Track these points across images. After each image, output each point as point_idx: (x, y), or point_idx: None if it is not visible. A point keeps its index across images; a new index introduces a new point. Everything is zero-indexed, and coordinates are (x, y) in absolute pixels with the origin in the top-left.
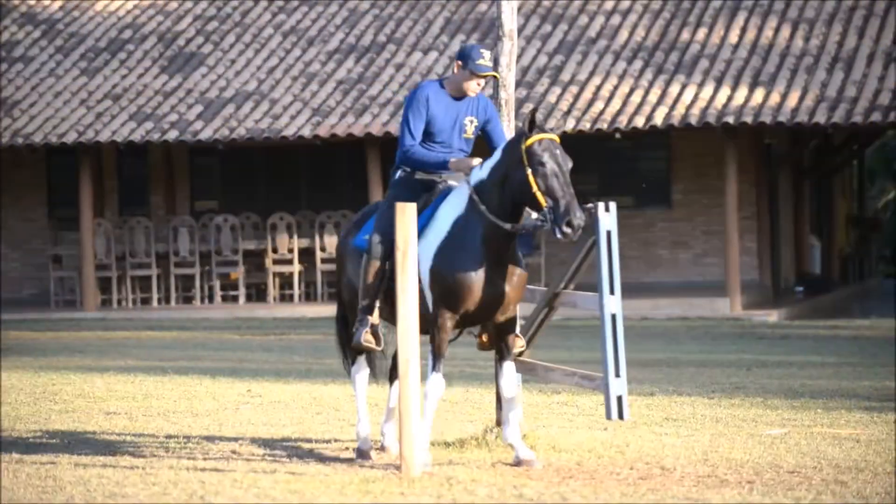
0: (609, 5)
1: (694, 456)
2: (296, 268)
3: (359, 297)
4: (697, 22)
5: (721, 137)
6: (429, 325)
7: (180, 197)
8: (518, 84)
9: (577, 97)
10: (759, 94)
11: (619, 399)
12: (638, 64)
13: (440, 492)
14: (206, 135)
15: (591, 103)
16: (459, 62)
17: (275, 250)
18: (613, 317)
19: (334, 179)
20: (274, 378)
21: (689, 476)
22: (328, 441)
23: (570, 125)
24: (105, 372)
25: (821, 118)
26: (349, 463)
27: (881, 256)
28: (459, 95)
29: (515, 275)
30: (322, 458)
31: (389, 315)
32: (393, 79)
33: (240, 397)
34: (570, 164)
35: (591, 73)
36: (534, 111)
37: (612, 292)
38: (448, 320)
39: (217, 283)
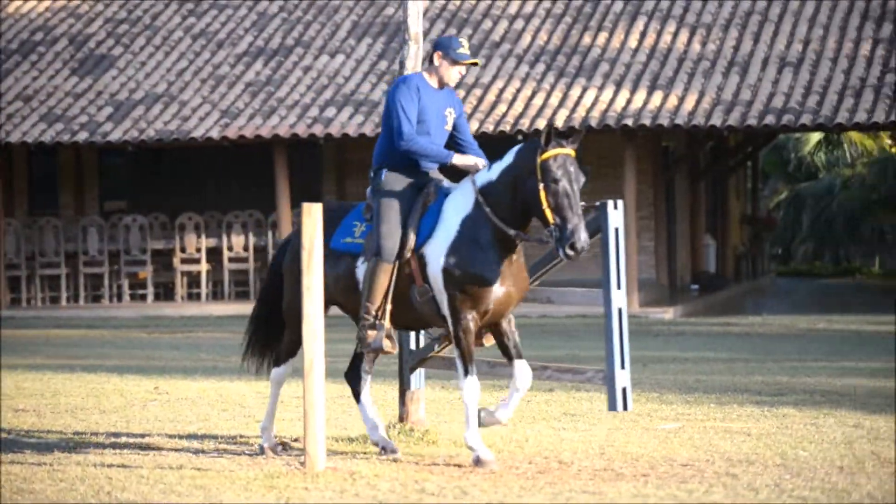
0: (512, 10)
1: (591, 450)
2: (203, 267)
3: (366, 300)
4: (598, 27)
5: (620, 139)
6: (435, 323)
7: (89, 197)
8: None
9: (480, 100)
10: (657, 98)
11: (624, 390)
12: (540, 67)
13: (343, 486)
14: (115, 136)
15: (494, 106)
16: (439, 52)
17: (182, 250)
18: (620, 311)
19: (242, 180)
20: (181, 375)
21: (586, 470)
22: (234, 437)
23: (474, 127)
24: (14, 370)
25: (717, 121)
26: (254, 459)
27: (773, 255)
28: (440, 86)
29: (522, 273)
30: (227, 454)
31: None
32: (300, 81)
33: (147, 394)
34: (582, 181)
35: (495, 77)
36: (550, 126)
37: (618, 287)
38: (472, 321)
39: (125, 282)
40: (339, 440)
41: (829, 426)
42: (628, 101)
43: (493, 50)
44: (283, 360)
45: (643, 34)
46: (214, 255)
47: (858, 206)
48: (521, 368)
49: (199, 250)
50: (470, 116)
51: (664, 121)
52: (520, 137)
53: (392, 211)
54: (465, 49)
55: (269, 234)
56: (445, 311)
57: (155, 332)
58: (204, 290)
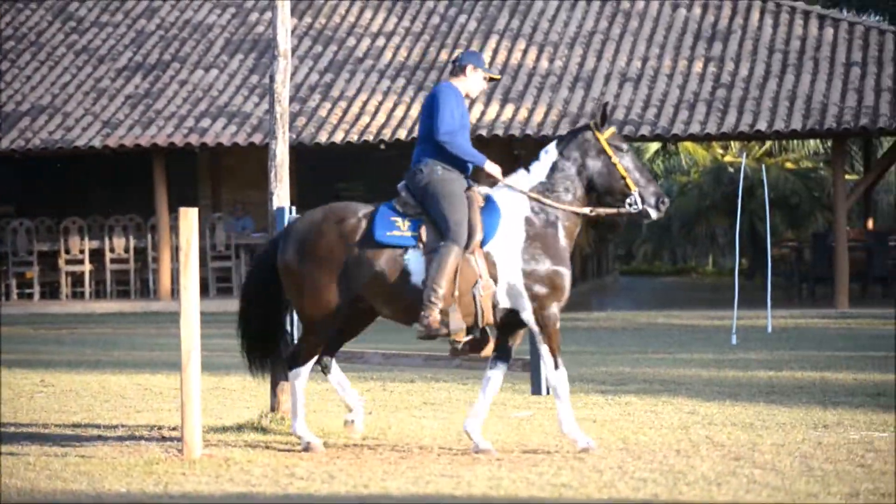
0: (374, 28)
1: (449, 437)
2: (86, 267)
3: (434, 285)
4: (454, 44)
5: (476, 148)
6: (487, 318)
7: None
8: (292, 99)
9: (345, 111)
10: (508, 110)
11: (547, 378)
12: (401, 82)
13: (218, 472)
14: (3, 145)
15: (358, 117)
16: (472, 65)
17: (67, 251)
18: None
19: (122, 186)
20: (66, 369)
21: (445, 454)
22: (115, 426)
23: (339, 137)
24: None
25: (564, 131)
26: (135, 446)
27: (617, 255)
28: (465, 97)
29: None
30: (110, 443)
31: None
32: (177, 94)
33: (34, 387)
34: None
35: (359, 90)
36: (606, 104)
37: None
38: (558, 313)
39: (13, 282)
40: (214, 429)
41: (667, 413)
42: (482, 113)
43: (356, 65)
44: (302, 362)
45: (495, 51)
46: (97, 256)
47: (693, 211)
48: (546, 358)
49: (82, 252)
50: (336, 127)
51: (516, 131)
52: (382, 147)
53: (461, 203)
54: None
55: (149, 236)
56: (524, 306)
57: (41, 329)
58: (87, 289)
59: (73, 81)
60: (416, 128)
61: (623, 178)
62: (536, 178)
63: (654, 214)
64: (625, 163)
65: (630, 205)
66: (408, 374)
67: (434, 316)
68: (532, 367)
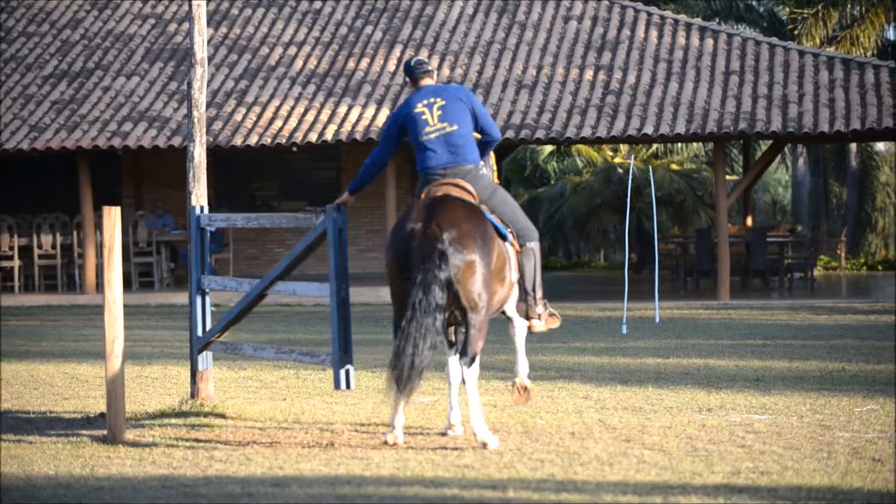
0: (286, 38)
1: (359, 421)
2: (16, 263)
3: (537, 285)
4: (361, 53)
5: None
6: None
7: None
8: (209, 105)
9: (259, 116)
10: None
11: (347, 371)
12: (311, 88)
13: (142, 455)
14: None
15: (271, 121)
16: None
17: None
18: (343, 301)
19: (49, 186)
20: None
21: (355, 438)
22: (44, 413)
23: (253, 140)
24: None
25: None
26: (63, 432)
27: None
28: None
29: None
30: (38, 428)
31: None
32: (100, 100)
33: None
34: None
35: (272, 96)
36: None
37: (342, 280)
38: None
39: None
40: (137, 415)
41: (562, 398)
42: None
43: (269, 72)
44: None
45: (399, 59)
46: (26, 252)
47: (585, 209)
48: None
49: (11, 248)
50: (250, 131)
51: None
52: (294, 149)
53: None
54: None
55: (74, 233)
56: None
57: None
58: (17, 282)
59: (2, 88)
60: (327, 132)
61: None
62: None
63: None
64: None
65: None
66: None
67: (541, 312)
68: (334, 364)
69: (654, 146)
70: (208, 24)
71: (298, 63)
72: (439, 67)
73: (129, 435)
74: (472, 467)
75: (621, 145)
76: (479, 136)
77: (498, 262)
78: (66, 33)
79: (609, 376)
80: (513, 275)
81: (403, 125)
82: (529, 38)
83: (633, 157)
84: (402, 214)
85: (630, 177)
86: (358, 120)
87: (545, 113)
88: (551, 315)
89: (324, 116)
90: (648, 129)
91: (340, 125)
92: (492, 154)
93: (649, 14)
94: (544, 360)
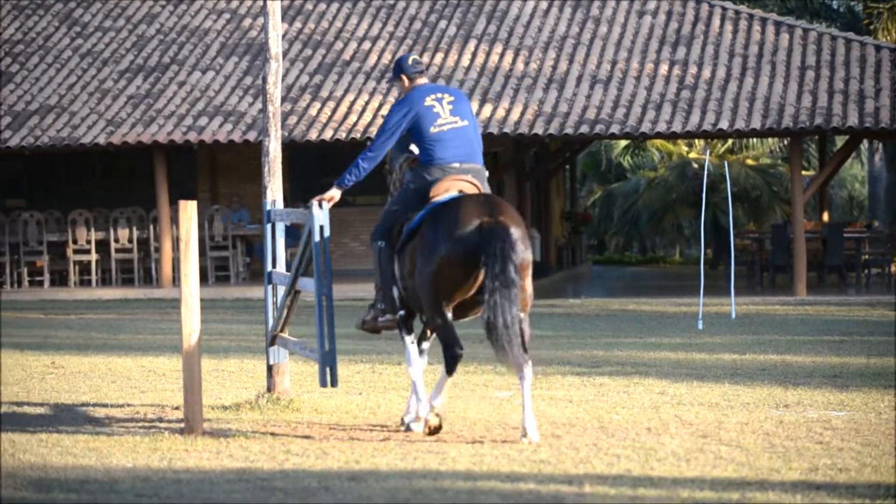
0: (360, 33)
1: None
2: (93, 257)
3: None
4: (434, 48)
5: None
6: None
7: None
8: (283, 99)
9: (334, 111)
10: (487, 109)
11: (330, 368)
12: (385, 83)
13: (219, 448)
14: (13, 142)
15: (345, 116)
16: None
17: (75, 241)
18: (325, 298)
19: (126, 181)
20: (74, 351)
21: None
22: (122, 406)
23: (328, 135)
24: None
25: (539, 130)
26: (141, 425)
27: (590, 246)
28: None
29: None
30: (117, 421)
31: None
32: (176, 94)
33: (45, 368)
34: None
35: (346, 91)
36: None
37: (325, 277)
38: None
39: (25, 270)
40: (214, 408)
41: (638, 393)
42: None
43: (344, 67)
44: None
45: (474, 54)
46: (103, 246)
47: (660, 204)
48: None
49: (89, 242)
50: (325, 125)
51: (494, 129)
52: (368, 143)
53: None
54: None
55: (151, 227)
56: None
57: (51, 314)
58: (94, 276)
59: (79, 82)
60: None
61: None
62: None
63: None
64: None
65: None
66: (395, 357)
67: None
68: (320, 361)
69: (730, 141)
70: (283, 19)
71: (372, 58)
72: (513, 61)
73: (206, 428)
74: (548, 462)
75: (696, 140)
76: None
77: None
78: (141, 28)
79: (685, 372)
80: None
81: (414, 120)
82: (604, 32)
83: (708, 152)
84: (446, 209)
85: (705, 172)
86: None
87: (620, 108)
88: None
89: None
90: (723, 125)
91: None
92: None
93: (724, 9)
94: (620, 355)
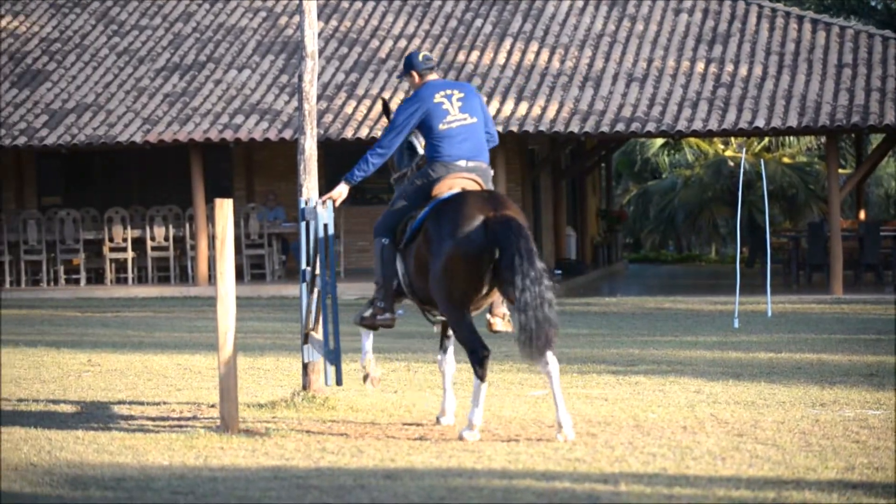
0: (396, 31)
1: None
2: (129, 255)
3: None
4: (471, 46)
5: None
6: None
7: (29, 193)
8: (319, 97)
9: (370, 109)
10: (523, 107)
11: (336, 367)
12: None
13: (254, 446)
14: (50, 140)
15: (381, 114)
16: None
17: (111, 239)
18: (331, 297)
19: (162, 179)
20: (111, 349)
21: None
22: (158, 404)
23: (364, 133)
24: None
25: (575, 128)
26: (177, 422)
27: (626, 244)
28: None
29: None
30: (152, 419)
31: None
32: (212, 92)
33: (81, 366)
34: None
35: (382, 89)
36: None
37: (329, 276)
38: None
39: (61, 268)
40: (249, 406)
41: (674, 392)
42: (498, 111)
43: (380, 65)
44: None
45: (510, 52)
46: (139, 244)
47: (696, 202)
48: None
49: (125, 240)
50: (360, 123)
51: (529, 127)
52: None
53: None
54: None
55: (187, 225)
56: None
57: (87, 312)
58: (130, 274)
59: (115, 81)
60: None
61: None
62: None
63: None
64: None
65: None
66: (431, 356)
67: None
68: (325, 360)
69: (766, 139)
70: (319, 17)
71: None
72: (549, 60)
73: (242, 426)
74: (584, 461)
75: (732, 138)
76: None
77: None
78: (178, 26)
79: (721, 370)
80: None
81: (423, 116)
82: (640, 30)
83: (744, 150)
84: (448, 206)
85: (741, 170)
86: None
87: (656, 106)
88: (508, 320)
89: None
90: (760, 122)
91: None
92: None
93: (760, 7)
94: (656, 353)
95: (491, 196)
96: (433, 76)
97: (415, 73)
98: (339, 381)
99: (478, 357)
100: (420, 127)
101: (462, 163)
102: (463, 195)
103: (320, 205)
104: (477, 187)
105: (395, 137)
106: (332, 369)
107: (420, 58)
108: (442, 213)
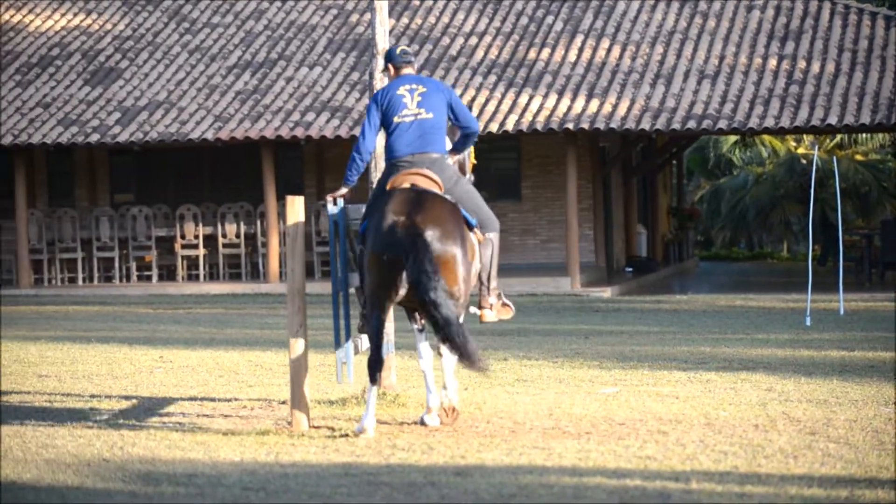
0: (467, 28)
1: (540, 411)
2: (201, 252)
3: (493, 274)
4: (541, 43)
5: (562, 141)
6: None
7: (101, 191)
8: None
9: None
10: (594, 105)
11: (343, 364)
12: (492, 78)
13: (325, 443)
14: (123, 138)
15: None
16: None
17: (183, 236)
18: (340, 294)
19: (233, 176)
20: (183, 346)
21: (537, 428)
22: (229, 400)
23: None
24: (37, 341)
25: (646, 125)
26: (248, 419)
27: (697, 242)
28: None
29: None
30: (224, 415)
31: None
32: (283, 90)
33: (153, 362)
34: None
35: (453, 86)
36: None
37: (340, 273)
38: None
39: (133, 265)
40: (320, 403)
41: (745, 390)
42: (569, 108)
43: (450, 63)
44: None
45: (581, 49)
46: (210, 241)
47: (768, 199)
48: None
49: (197, 237)
50: None
51: (600, 125)
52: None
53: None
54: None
55: (258, 222)
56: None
57: (159, 309)
58: (202, 271)
59: (187, 78)
60: (507, 122)
61: (469, 163)
62: None
63: None
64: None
65: None
66: (501, 353)
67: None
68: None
69: (838, 136)
70: (390, 15)
71: (479, 53)
72: (620, 57)
73: (313, 422)
74: (655, 458)
75: (805, 136)
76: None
77: (471, 257)
78: (249, 24)
79: (793, 368)
80: (474, 267)
81: (385, 108)
82: (711, 27)
83: (816, 147)
84: (377, 205)
85: (814, 167)
86: (539, 110)
87: (727, 103)
88: (504, 305)
89: (504, 106)
90: (832, 120)
91: (521, 115)
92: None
93: (833, 3)
94: (727, 351)
95: (412, 199)
96: (408, 70)
97: (391, 67)
98: (349, 378)
99: (370, 360)
100: (382, 120)
101: (408, 158)
102: (389, 195)
103: (330, 202)
104: (427, 182)
105: (365, 130)
106: (342, 367)
107: (398, 51)
108: (371, 210)
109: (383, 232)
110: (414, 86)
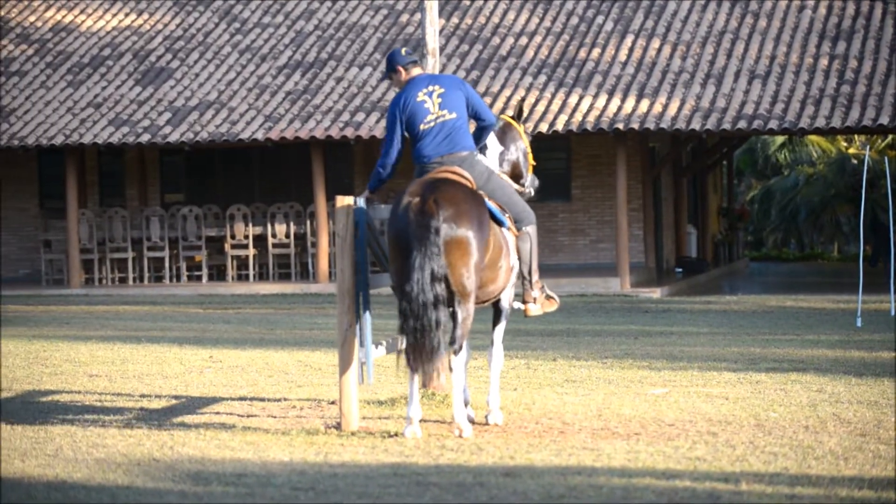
0: (517, 28)
1: (590, 412)
2: (251, 252)
3: (534, 267)
4: (592, 43)
5: (612, 141)
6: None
7: (152, 191)
8: None
9: (490, 107)
10: (644, 105)
11: (362, 365)
12: (542, 78)
13: (374, 443)
14: (173, 138)
15: (502, 111)
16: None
17: (233, 237)
18: (361, 295)
19: (283, 176)
20: (232, 346)
21: (586, 429)
22: (278, 400)
23: None
24: (88, 340)
25: (696, 125)
26: (297, 419)
27: (747, 242)
28: None
29: None
30: (273, 415)
31: None
32: (333, 90)
33: (203, 362)
34: None
35: (503, 86)
36: (522, 101)
37: (362, 272)
38: None
39: (183, 265)
40: (370, 403)
41: (796, 391)
42: (619, 108)
43: (500, 63)
44: None
45: (631, 49)
46: (260, 241)
47: (819, 200)
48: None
49: (246, 237)
50: None
51: (650, 125)
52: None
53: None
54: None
55: (308, 222)
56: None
57: (209, 308)
58: (251, 271)
59: (238, 78)
60: (557, 122)
61: (529, 162)
62: (494, 164)
63: (534, 194)
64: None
65: (524, 185)
66: (551, 353)
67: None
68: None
69: (890, 137)
70: (440, 15)
71: (529, 53)
72: (671, 56)
73: (362, 423)
74: (704, 460)
75: (856, 136)
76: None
77: (494, 252)
78: (300, 24)
79: (843, 369)
80: (511, 260)
81: (407, 117)
82: (762, 27)
83: (867, 147)
84: (399, 193)
85: (865, 168)
86: (589, 110)
87: (778, 103)
88: (548, 298)
89: (554, 106)
90: (884, 120)
91: (571, 115)
92: (523, 134)
93: (885, 3)
94: (777, 352)
95: (431, 183)
96: (417, 70)
97: (400, 69)
98: (369, 379)
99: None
100: (406, 128)
101: (437, 159)
102: (413, 181)
103: (361, 200)
104: (457, 178)
105: (389, 144)
106: (362, 367)
107: (402, 52)
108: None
109: (398, 214)
110: (431, 87)
